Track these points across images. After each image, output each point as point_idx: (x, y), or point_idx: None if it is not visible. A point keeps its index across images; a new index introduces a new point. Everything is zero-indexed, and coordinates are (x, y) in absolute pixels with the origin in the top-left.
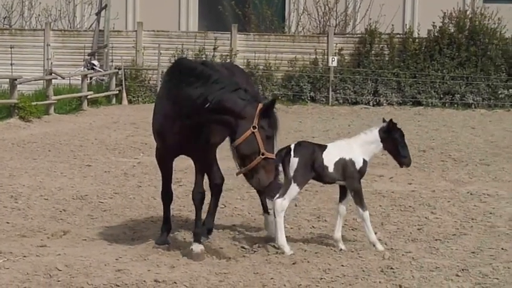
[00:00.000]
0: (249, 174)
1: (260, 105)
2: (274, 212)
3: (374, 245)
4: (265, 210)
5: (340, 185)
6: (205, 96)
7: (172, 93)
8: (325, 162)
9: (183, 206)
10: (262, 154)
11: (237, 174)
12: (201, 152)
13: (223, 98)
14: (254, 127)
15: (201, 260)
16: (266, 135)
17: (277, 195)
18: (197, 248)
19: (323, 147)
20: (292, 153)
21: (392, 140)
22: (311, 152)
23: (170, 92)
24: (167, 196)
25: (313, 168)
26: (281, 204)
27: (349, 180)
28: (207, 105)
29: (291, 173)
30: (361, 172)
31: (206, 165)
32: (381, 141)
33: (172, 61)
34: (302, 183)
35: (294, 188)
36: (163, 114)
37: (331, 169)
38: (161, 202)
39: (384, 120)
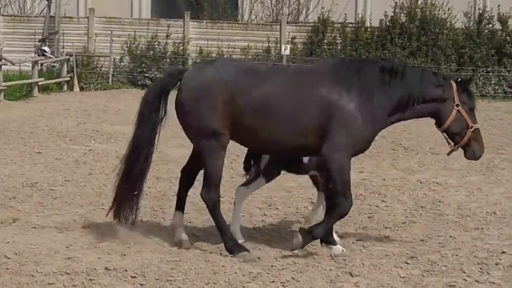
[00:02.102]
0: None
1: (454, 83)
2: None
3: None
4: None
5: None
6: (410, 95)
7: (373, 97)
8: None
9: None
10: (471, 127)
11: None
12: None
13: (424, 91)
14: (457, 105)
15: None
16: (469, 108)
17: (242, 183)
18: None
19: None
20: None
21: None
22: None
23: (367, 96)
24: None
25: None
26: (243, 192)
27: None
28: (415, 104)
29: (262, 167)
30: None
31: None
32: None
33: (125, 48)
34: (269, 178)
35: (260, 181)
36: (373, 121)
37: (306, 160)
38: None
39: None
